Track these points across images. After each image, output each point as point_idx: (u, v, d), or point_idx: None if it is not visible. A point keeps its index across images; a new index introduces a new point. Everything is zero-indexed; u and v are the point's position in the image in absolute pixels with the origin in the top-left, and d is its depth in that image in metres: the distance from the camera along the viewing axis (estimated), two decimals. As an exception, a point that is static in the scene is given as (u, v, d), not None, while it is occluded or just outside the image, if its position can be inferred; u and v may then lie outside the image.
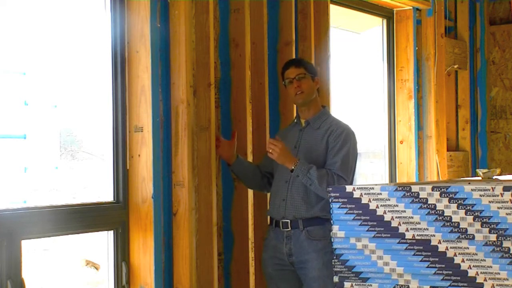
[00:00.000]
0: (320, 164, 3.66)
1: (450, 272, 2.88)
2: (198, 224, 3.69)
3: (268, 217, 3.87)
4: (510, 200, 2.80)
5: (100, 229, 3.58)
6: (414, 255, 2.94)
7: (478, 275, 2.84)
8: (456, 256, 2.88)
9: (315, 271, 3.61)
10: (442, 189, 2.89)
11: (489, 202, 2.82)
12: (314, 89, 3.79)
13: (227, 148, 3.81)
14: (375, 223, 3.00)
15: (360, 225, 3.02)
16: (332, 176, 3.57)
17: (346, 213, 3.05)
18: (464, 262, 2.86)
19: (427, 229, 2.91)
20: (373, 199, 3.00)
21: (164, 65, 3.66)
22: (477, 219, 2.84)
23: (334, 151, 3.65)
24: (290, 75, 3.76)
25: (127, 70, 3.62)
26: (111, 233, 3.58)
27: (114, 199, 3.61)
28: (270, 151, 3.63)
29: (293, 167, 3.60)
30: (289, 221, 3.67)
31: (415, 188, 2.94)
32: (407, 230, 2.95)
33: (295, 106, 4.34)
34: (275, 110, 4.35)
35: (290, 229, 3.67)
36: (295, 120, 3.91)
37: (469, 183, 3.11)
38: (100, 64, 3.62)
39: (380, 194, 2.99)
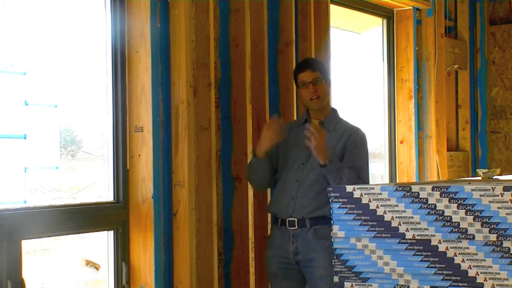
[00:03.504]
0: None
1: (450, 272, 2.88)
2: (198, 224, 3.69)
3: (270, 215, 3.86)
4: (510, 200, 2.80)
5: (100, 229, 3.58)
6: (414, 255, 2.94)
7: (478, 275, 2.84)
8: (456, 256, 2.87)
9: (322, 269, 3.59)
10: (442, 189, 2.89)
11: (489, 202, 2.82)
12: (328, 93, 3.79)
13: (273, 135, 3.66)
14: (375, 223, 2.99)
15: (360, 225, 3.02)
16: (359, 179, 3.57)
17: (346, 213, 3.04)
18: (464, 262, 2.86)
19: (427, 229, 2.91)
20: (373, 199, 3.00)
21: (164, 65, 3.66)
22: (477, 219, 2.84)
23: (355, 154, 3.66)
24: (306, 78, 3.72)
25: (127, 70, 3.62)
26: (111, 233, 3.58)
27: (114, 199, 3.61)
28: (310, 137, 3.53)
29: (326, 163, 3.56)
30: (296, 219, 3.66)
31: (415, 188, 2.94)
32: (407, 230, 2.94)
33: (295, 106, 4.35)
34: (275, 110, 4.35)
35: (297, 227, 3.65)
36: (304, 118, 3.85)
37: (469, 183, 3.11)
38: (100, 64, 3.62)
39: (380, 194, 2.99)
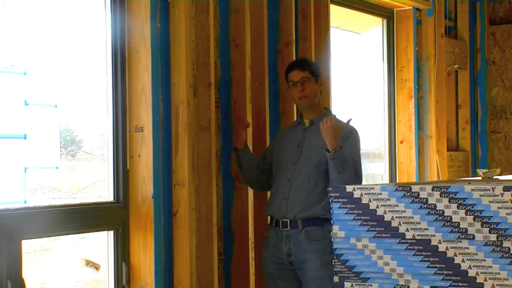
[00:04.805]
0: (325, 163, 3.66)
1: (450, 272, 2.88)
2: (198, 224, 3.69)
3: (269, 216, 3.87)
4: (510, 200, 2.79)
5: (100, 229, 3.58)
6: (414, 255, 2.94)
7: (478, 275, 2.84)
8: (456, 256, 2.87)
9: (314, 271, 3.61)
10: (442, 189, 2.89)
11: (489, 202, 2.82)
12: (317, 92, 3.81)
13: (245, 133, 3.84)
14: (375, 223, 2.99)
15: (360, 225, 3.02)
16: (356, 174, 3.60)
17: (346, 213, 3.04)
18: (464, 262, 2.86)
19: (427, 229, 2.91)
20: (373, 199, 3.00)
21: (164, 65, 3.66)
22: (477, 219, 2.84)
23: (346, 151, 3.66)
24: (294, 78, 3.75)
25: (127, 70, 3.62)
26: (111, 233, 3.58)
27: (114, 199, 3.61)
28: (323, 124, 3.56)
29: (334, 148, 3.53)
30: (288, 220, 3.67)
31: (415, 188, 2.94)
32: (407, 230, 2.94)
33: (295, 106, 4.35)
34: (275, 110, 4.35)
35: (289, 228, 3.67)
36: (297, 121, 3.91)
37: (469, 183, 3.11)
38: (100, 64, 3.62)
39: (380, 194, 2.99)
